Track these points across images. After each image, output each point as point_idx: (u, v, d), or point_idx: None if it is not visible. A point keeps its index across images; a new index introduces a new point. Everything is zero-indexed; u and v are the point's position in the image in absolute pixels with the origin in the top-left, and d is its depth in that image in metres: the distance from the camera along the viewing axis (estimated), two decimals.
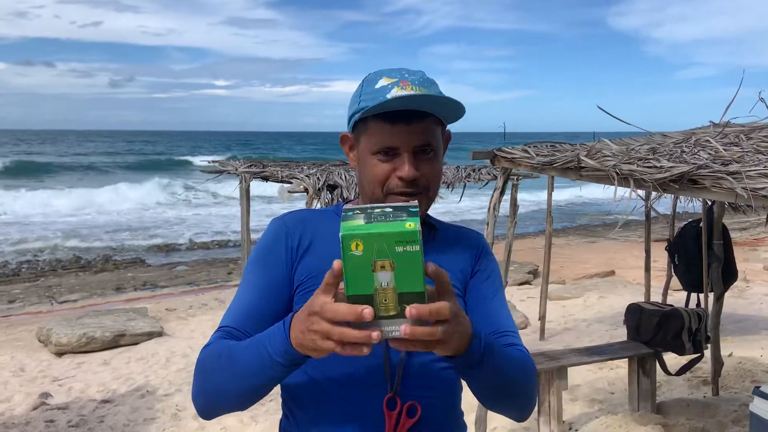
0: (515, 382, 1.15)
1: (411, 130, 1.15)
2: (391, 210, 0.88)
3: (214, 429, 4.50)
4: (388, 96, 1.13)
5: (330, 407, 1.16)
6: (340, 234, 0.83)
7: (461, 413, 1.27)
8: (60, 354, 6.90)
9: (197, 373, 1.12)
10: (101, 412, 5.00)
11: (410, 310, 0.85)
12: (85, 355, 6.87)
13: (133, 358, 6.62)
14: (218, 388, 1.09)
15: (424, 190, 1.19)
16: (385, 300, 0.86)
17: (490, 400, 1.20)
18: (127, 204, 20.67)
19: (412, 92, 1.13)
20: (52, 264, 12.79)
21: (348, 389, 1.15)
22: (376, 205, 0.91)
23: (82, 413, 4.97)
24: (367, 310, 0.84)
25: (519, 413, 1.23)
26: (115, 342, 7.13)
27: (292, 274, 1.19)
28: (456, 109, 1.18)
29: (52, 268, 12.46)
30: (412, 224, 0.84)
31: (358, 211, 0.88)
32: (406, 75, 1.18)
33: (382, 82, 1.16)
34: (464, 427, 1.28)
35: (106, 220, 18.46)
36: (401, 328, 0.87)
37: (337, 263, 0.87)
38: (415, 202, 0.93)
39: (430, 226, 1.30)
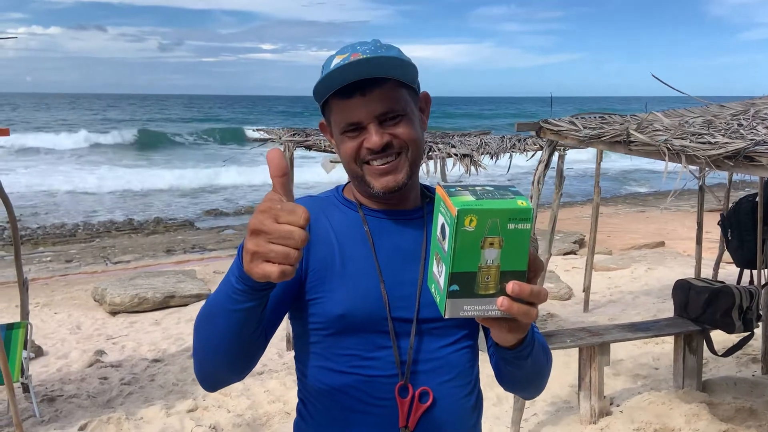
0: (542, 368, 1.17)
1: (368, 99, 1.11)
2: (492, 188, 0.88)
3: (258, 391, 4.63)
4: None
5: (342, 398, 1.16)
6: (456, 209, 0.82)
7: (478, 395, 1.26)
8: (114, 313, 7.21)
9: (193, 342, 1.10)
10: (152, 371, 5.22)
11: (513, 286, 0.86)
12: (137, 314, 7.16)
13: (182, 319, 6.85)
14: (205, 344, 1.04)
15: (402, 151, 1.15)
16: (487, 278, 0.85)
17: (519, 386, 1.21)
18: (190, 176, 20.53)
19: (354, 60, 1.09)
20: (106, 225, 13.25)
21: (360, 380, 1.15)
22: (476, 183, 0.91)
23: (134, 371, 5.20)
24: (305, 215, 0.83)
25: (535, 395, 1.26)
26: (166, 303, 7.40)
27: (303, 264, 1.16)
28: (407, 66, 1.12)
29: (106, 229, 12.92)
30: (524, 202, 0.84)
31: (459, 188, 0.87)
32: (358, 47, 1.14)
33: (335, 61, 1.12)
34: (480, 409, 1.27)
35: (164, 187, 18.93)
36: (498, 301, 0.86)
37: (277, 181, 0.86)
38: (514, 185, 0.91)
39: (431, 199, 1.25)
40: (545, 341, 1.19)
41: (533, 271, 0.90)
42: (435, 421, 1.16)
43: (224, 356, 1.04)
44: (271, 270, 0.83)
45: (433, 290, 0.93)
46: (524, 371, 1.11)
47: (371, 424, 1.15)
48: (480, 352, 1.28)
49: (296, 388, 4.62)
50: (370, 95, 1.11)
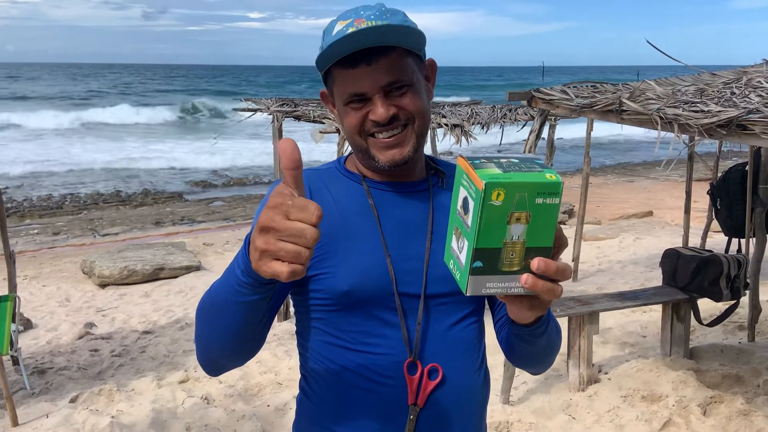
0: (554, 345, 1.16)
1: (373, 69, 1.06)
2: (518, 160, 0.84)
3: (250, 362, 4.65)
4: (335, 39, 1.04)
5: (348, 375, 1.13)
6: (484, 182, 0.78)
7: (486, 371, 1.24)
8: (103, 286, 7.18)
9: (195, 327, 1.08)
10: (143, 343, 5.21)
11: (538, 263, 0.82)
12: (127, 287, 7.14)
13: (172, 291, 6.84)
14: (208, 332, 1.02)
15: (408, 123, 1.10)
16: (512, 254, 0.82)
17: (529, 363, 1.19)
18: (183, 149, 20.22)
19: (359, 28, 1.04)
20: (93, 197, 13.14)
21: (366, 357, 1.12)
22: (500, 155, 0.86)
23: (125, 343, 5.19)
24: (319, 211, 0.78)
25: (543, 370, 1.24)
26: (155, 275, 7.38)
27: None
28: (415, 34, 1.08)
29: (93, 201, 12.81)
30: (553, 176, 0.80)
31: (483, 160, 0.83)
32: (362, 12, 1.08)
33: (338, 27, 1.07)
34: (488, 385, 1.26)
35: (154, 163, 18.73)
36: (522, 278, 0.83)
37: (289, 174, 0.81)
38: (540, 157, 0.87)
39: (437, 170, 1.23)
40: (555, 317, 1.17)
41: (557, 247, 0.87)
42: (445, 398, 1.13)
43: (229, 345, 1.01)
44: (281, 270, 0.79)
45: (451, 266, 0.89)
46: (537, 348, 1.10)
47: (377, 402, 1.12)
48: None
49: (287, 359, 4.59)
50: (376, 65, 1.06)
